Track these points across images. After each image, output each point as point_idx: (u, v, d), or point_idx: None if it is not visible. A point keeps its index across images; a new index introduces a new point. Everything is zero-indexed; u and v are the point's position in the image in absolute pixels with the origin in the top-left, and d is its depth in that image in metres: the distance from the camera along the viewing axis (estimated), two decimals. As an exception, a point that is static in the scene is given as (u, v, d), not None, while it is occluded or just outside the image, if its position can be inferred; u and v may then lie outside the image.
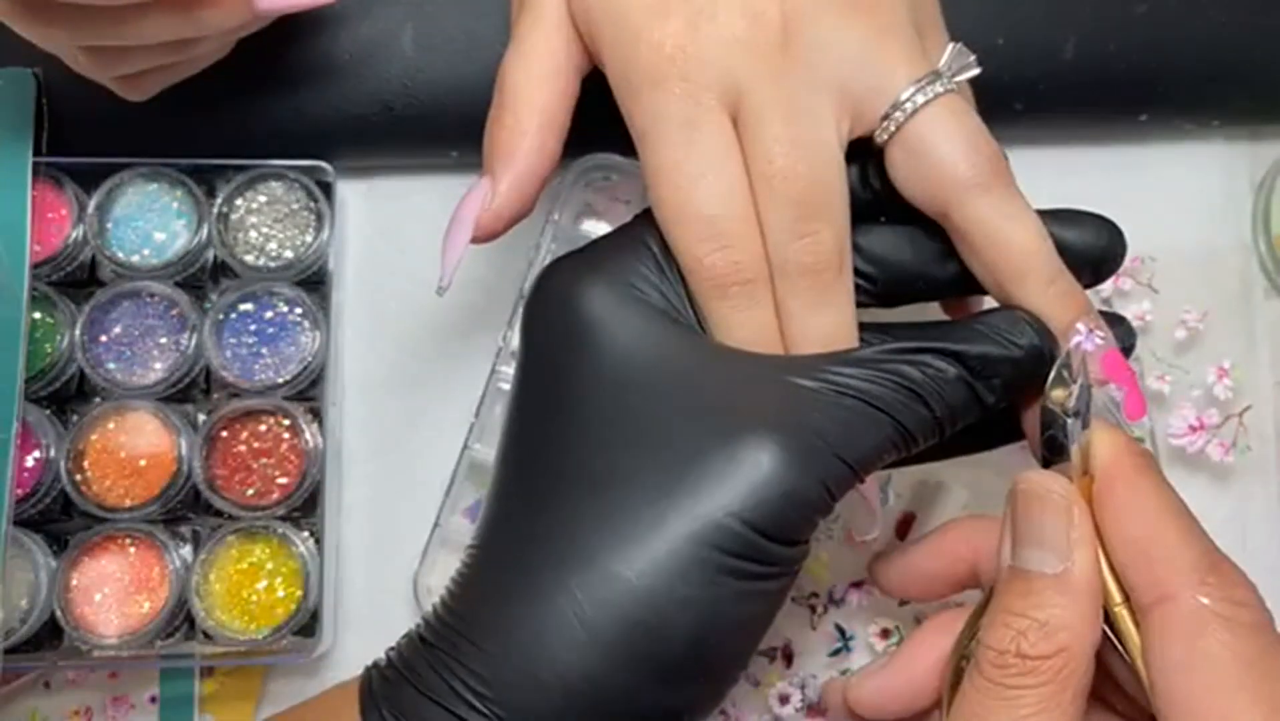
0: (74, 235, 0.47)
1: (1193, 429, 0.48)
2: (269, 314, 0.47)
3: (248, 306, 0.47)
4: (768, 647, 0.47)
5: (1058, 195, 0.50)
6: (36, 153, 0.46)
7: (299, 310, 0.47)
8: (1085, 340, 0.36)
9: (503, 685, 0.33)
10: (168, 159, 0.47)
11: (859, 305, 0.37)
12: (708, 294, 0.36)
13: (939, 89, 0.36)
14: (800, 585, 0.47)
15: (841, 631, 0.47)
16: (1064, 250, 0.37)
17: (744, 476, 0.33)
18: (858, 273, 0.38)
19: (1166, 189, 0.51)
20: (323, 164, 0.48)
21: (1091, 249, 0.38)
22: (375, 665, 0.36)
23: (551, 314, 0.37)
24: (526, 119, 0.38)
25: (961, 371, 0.35)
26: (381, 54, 0.48)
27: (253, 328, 0.47)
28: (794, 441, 0.34)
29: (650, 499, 0.34)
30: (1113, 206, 0.50)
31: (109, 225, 0.47)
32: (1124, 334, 0.39)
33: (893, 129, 0.36)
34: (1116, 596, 0.33)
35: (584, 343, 0.36)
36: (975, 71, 0.38)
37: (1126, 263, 0.49)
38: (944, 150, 0.36)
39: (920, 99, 0.36)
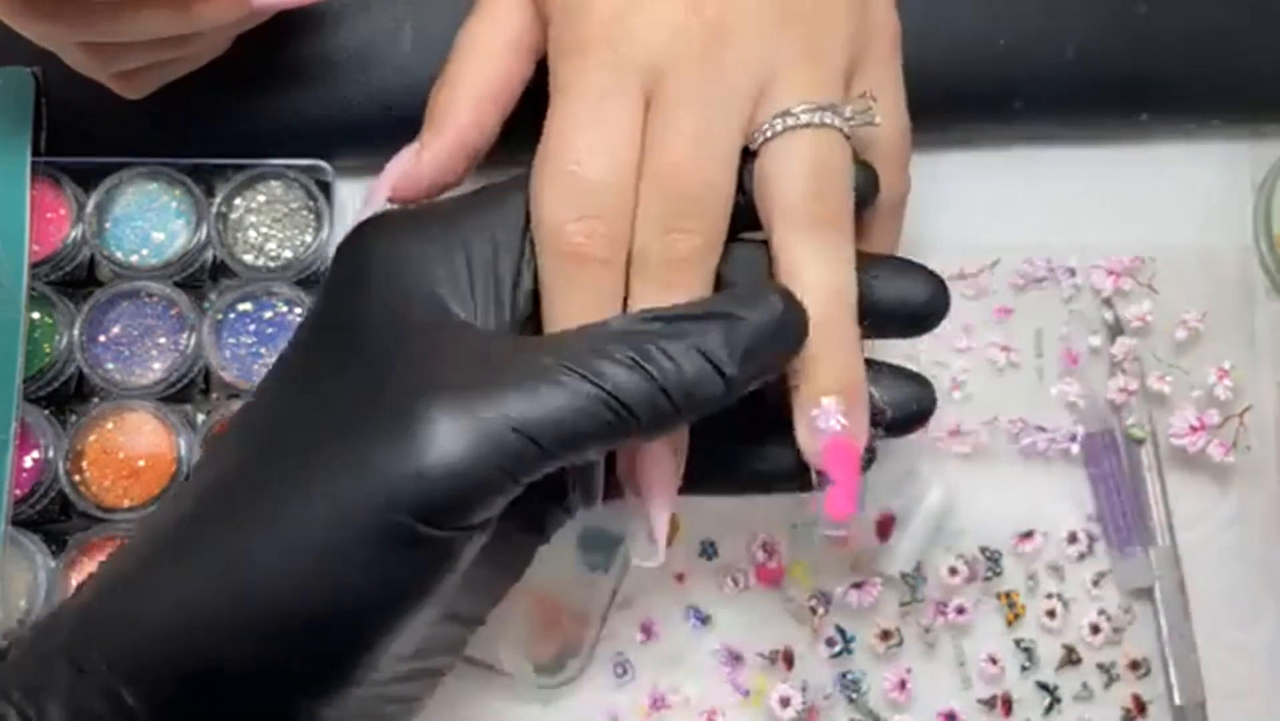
0: (73, 235, 0.47)
1: (1193, 429, 0.48)
2: (268, 314, 0.47)
3: (247, 306, 0.47)
4: (768, 650, 0.47)
5: (1058, 195, 0.50)
6: (35, 152, 0.46)
7: (299, 310, 0.47)
8: (823, 417, 0.34)
9: (96, 625, 0.33)
10: (167, 159, 0.47)
11: None
12: (553, 261, 0.35)
13: (827, 119, 0.36)
14: (785, 586, 0.47)
15: (842, 633, 0.47)
16: (881, 299, 0.36)
17: (408, 456, 0.31)
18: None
19: (1166, 189, 0.51)
20: (322, 164, 0.48)
21: (909, 301, 0.37)
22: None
23: (343, 253, 0.37)
24: (465, 90, 0.38)
25: (691, 333, 0.33)
26: (380, 53, 0.48)
27: (252, 328, 0.47)
28: (469, 418, 0.31)
29: (316, 459, 0.32)
30: (1113, 206, 0.50)
31: (108, 225, 0.47)
32: (921, 397, 0.38)
33: (767, 135, 0.36)
34: None
35: (347, 292, 0.36)
36: (874, 123, 0.37)
37: (1126, 262, 0.49)
38: (792, 174, 0.35)
39: (804, 118, 0.35)
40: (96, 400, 0.47)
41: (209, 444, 0.45)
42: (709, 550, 0.48)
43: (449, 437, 0.31)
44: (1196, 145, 0.51)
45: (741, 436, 0.37)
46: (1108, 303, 0.49)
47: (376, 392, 0.33)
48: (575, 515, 0.39)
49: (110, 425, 0.46)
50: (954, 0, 0.40)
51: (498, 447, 0.31)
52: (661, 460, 0.36)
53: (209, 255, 0.48)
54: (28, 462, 0.45)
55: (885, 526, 0.48)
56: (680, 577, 0.47)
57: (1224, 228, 0.50)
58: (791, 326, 0.34)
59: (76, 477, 0.45)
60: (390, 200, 0.39)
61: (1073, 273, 0.49)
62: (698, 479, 0.37)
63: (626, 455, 0.36)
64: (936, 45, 0.47)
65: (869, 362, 0.37)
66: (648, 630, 0.47)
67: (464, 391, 0.32)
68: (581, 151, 0.35)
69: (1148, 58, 0.48)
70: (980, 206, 0.50)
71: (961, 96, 0.48)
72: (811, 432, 0.35)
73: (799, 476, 0.36)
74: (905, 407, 0.38)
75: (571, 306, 0.35)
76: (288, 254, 0.47)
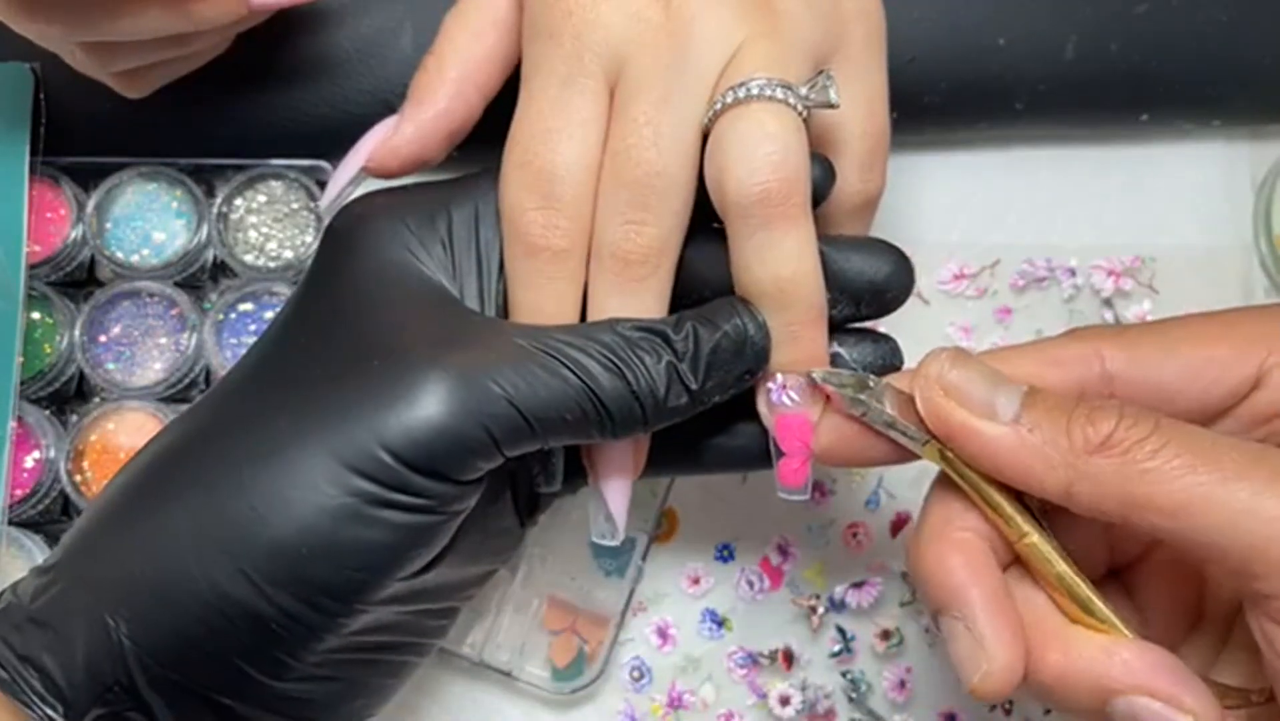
0: (73, 235, 0.47)
1: (1193, 429, 0.48)
2: (269, 314, 0.47)
3: (248, 306, 0.47)
4: (768, 650, 0.47)
5: (1058, 195, 0.50)
6: (35, 150, 0.46)
7: (299, 310, 0.47)
8: (776, 393, 0.36)
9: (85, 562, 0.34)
10: (167, 159, 0.47)
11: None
12: (515, 248, 0.36)
13: (779, 94, 0.35)
14: (799, 587, 0.47)
15: (842, 633, 0.47)
16: (841, 276, 0.36)
17: (399, 405, 0.33)
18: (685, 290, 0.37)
19: (1166, 189, 0.51)
20: (323, 164, 0.48)
21: (870, 277, 0.37)
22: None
23: (331, 232, 0.38)
24: (448, 67, 0.39)
25: (664, 348, 0.35)
26: (381, 52, 0.48)
27: (252, 327, 0.47)
28: (463, 380, 0.33)
29: (311, 406, 0.33)
30: (1113, 206, 0.50)
31: (108, 225, 0.47)
32: (888, 352, 0.38)
33: (718, 109, 0.35)
34: (1024, 528, 0.33)
35: (335, 265, 0.36)
36: (831, 103, 0.36)
37: (1126, 262, 0.49)
38: (743, 151, 0.34)
39: (756, 90, 0.35)
40: (97, 400, 0.47)
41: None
42: (722, 553, 0.48)
43: (444, 394, 0.33)
44: (1196, 145, 0.51)
45: (709, 417, 0.37)
46: (1108, 303, 0.49)
47: (369, 353, 0.34)
48: (542, 496, 0.40)
49: (111, 425, 0.46)
50: (954, 0, 0.40)
51: (488, 412, 0.33)
52: (617, 447, 0.37)
53: (209, 255, 0.48)
54: (29, 463, 0.45)
55: (898, 525, 0.48)
56: (696, 581, 0.47)
57: (1224, 228, 0.50)
58: (753, 346, 0.35)
59: (78, 478, 0.45)
60: (365, 170, 0.39)
61: (1073, 272, 0.49)
62: (666, 460, 0.38)
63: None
64: (937, 45, 0.47)
65: (833, 328, 0.37)
66: (664, 634, 0.47)
67: (458, 357, 0.33)
68: (543, 139, 0.36)
69: (1148, 58, 0.48)
70: (980, 206, 0.50)
71: (961, 96, 0.48)
72: (768, 406, 0.36)
73: (767, 454, 0.37)
74: (875, 365, 0.38)
75: (529, 293, 0.36)
76: (288, 254, 0.47)
